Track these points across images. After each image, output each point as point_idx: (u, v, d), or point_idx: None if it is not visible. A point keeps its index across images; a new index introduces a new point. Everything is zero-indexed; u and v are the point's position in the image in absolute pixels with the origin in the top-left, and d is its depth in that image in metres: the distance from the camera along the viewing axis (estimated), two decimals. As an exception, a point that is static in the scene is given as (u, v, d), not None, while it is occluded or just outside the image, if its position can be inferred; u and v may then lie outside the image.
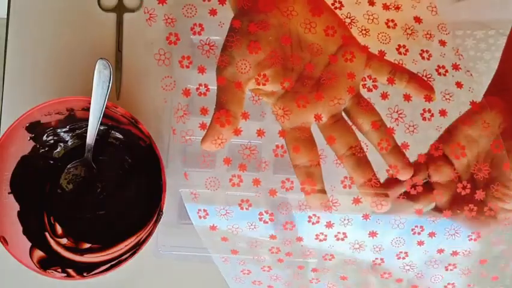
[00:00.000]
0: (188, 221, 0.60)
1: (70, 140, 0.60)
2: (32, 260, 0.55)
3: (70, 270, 0.55)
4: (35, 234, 0.57)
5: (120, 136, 0.60)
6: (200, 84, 0.44)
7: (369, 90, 0.43)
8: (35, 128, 0.57)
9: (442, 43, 0.44)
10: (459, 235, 0.46)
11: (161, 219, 0.54)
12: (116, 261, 0.55)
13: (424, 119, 0.43)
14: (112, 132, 0.60)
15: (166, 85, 0.48)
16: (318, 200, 0.43)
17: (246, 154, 0.43)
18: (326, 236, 0.46)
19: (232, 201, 0.46)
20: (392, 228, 0.46)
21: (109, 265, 0.55)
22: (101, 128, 0.58)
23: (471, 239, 0.46)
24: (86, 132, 0.56)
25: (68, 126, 0.59)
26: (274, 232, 0.48)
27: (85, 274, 0.55)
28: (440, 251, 0.46)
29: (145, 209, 0.58)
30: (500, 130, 0.44)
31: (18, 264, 0.53)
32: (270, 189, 0.44)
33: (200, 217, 0.46)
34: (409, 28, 0.44)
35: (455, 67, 0.44)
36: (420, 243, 0.46)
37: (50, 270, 0.55)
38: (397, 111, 0.43)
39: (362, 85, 0.44)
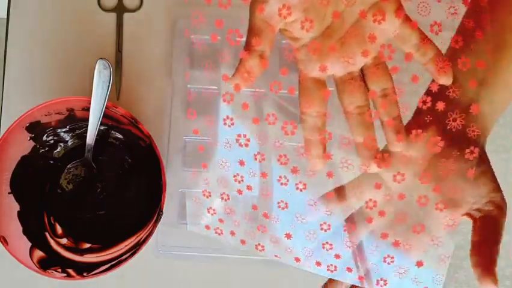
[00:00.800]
0: (187, 221, 0.60)
1: (70, 140, 0.60)
2: (32, 260, 0.55)
3: (70, 270, 0.55)
4: (35, 234, 0.57)
5: (120, 136, 0.60)
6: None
7: (384, 59, 0.43)
8: (35, 128, 0.57)
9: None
10: None
11: (161, 219, 0.54)
12: (116, 261, 0.55)
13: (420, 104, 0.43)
14: (112, 132, 0.60)
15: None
16: (316, 150, 0.44)
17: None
18: (287, 180, 0.47)
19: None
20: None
21: (109, 265, 0.55)
22: (101, 128, 0.58)
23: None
24: (86, 132, 0.57)
25: (68, 126, 0.59)
26: (245, 158, 0.48)
27: (85, 274, 0.55)
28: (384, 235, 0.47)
29: (145, 209, 0.58)
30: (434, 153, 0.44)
31: (18, 264, 0.53)
32: (253, 117, 0.45)
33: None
34: (453, 7, 0.42)
35: (480, 64, 0.44)
36: (369, 220, 0.47)
37: (50, 270, 0.55)
38: (398, 88, 0.44)
39: (379, 52, 0.42)
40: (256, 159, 0.47)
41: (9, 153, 0.56)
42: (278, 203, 0.48)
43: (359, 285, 0.48)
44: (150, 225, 0.56)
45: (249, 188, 0.49)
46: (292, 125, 0.44)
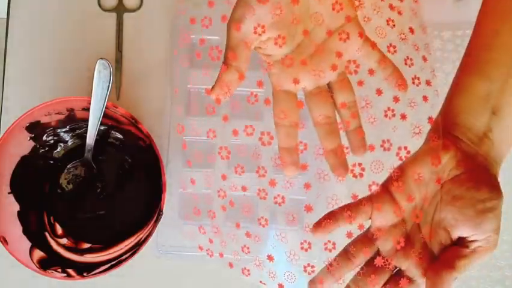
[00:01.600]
0: (188, 221, 0.60)
1: (70, 140, 0.60)
2: (32, 260, 0.55)
3: (70, 270, 0.55)
4: (35, 234, 0.57)
5: (120, 136, 0.60)
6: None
7: (350, 73, 0.48)
8: (35, 128, 0.57)
9: (424, 59, 0.49)
10: None
11: (161, 219, 0.54)
12: (116, 261, 0.55)
13: (386, 115, 0.47)
14: (112, 132, 0.60)
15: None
16: (290, 157, 0.47)
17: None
18: (266, 194, 0.49)
19: None
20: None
21: (109, 265, 0.55)
22: (101, 128, 0.58)
23: None
24: (86, 132, 0.57)
25: (68, 126, 0.59)
26: (226, 172, 0.54)
27: (85, 274, 0.55)
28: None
29: (145, 209, 0.58)
30: (450, 177, 0.43)
31: (18, 264, 0.53)
32: (233, 129, 0.50)
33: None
34: (403, 33, 0.48)
35: (428, 83, 0.48)
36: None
37: (50, 270, 0.55)
38: (365, 100, 0.48)
39: (345, 66, 0.47)
40: (236, 172, 0.49)
41: (9, 153, 0.56)
42: (259, 219, 0.49)
43: None
44: (150, 225, 0.56)
45: (231, 203, 0.51)
46: (269, 136, 0.48)
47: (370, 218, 0.45)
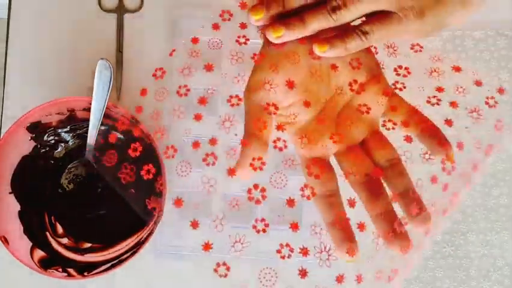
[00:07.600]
0: (187, 221, 0.60)
1: (71, 140, 0.61)
2: (32, 260, 0.55)
3: (71, 270, 0.56)
4: (35, 234, 0.57)
5: (121, 136, 0.60)
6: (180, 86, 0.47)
7: (388, 129, 0.44)
8: (36, 128, 0.57)
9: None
10: None
11: (161, 219, 0.55)
12: (117, 260, 0.56)
13: None
14: (113, 132, 0.60)
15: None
16: (339, 234, 0.41)
17: None
18: None
19: None
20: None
21: (109, 265, 0.55)
22: (102, 128, 0.58)
23: None
24: (86, 132, 0.57)
25: (69, 127, 0.59)
26: None
27: (85, 274, 0.55)
28: None
29: (146, 209, 0.58)
30: None
31: (19, 263, 0.53)
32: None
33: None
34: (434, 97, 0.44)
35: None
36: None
37: (50, 270, 0.55)
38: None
39: (382, 124, 0.44)
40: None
41: (10, 153, 0.56)
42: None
43: None
44: (150, 225, 0.56)
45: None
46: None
47: None
